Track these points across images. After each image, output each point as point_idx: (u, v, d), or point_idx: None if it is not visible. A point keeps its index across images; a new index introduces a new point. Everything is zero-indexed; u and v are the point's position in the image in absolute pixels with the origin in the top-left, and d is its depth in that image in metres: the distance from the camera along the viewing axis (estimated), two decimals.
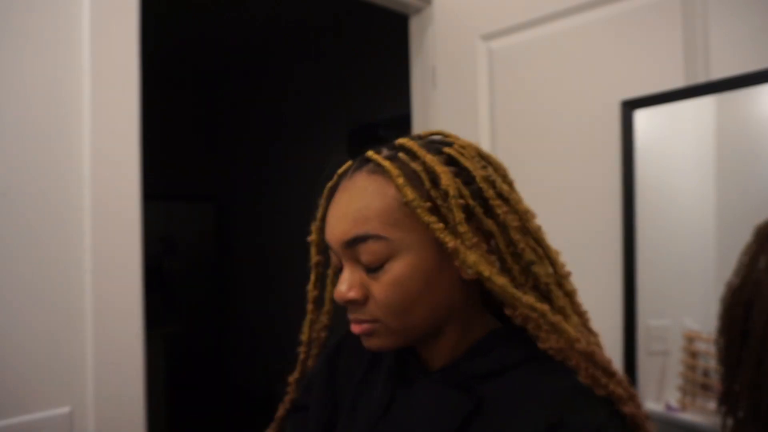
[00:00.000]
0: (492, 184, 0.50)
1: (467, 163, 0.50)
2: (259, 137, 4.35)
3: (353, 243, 0.49)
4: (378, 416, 0.53)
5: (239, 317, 4.71)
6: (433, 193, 0.48)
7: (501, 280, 0.47)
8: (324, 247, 0.59)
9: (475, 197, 0.49)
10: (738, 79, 0.95)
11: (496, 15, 1.36)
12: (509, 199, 0.50)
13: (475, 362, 0.51)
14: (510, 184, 0.54)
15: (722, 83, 0.98)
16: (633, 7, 1.13)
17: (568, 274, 0.53)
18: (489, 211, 0.49)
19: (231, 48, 3.93)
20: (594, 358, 0.46)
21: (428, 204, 0.47)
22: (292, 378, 0.67)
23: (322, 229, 0.57)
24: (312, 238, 0.60)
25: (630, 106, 1.10)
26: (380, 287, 0.48)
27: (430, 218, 0.47)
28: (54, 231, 0.88)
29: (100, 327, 0.91)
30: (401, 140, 0.53)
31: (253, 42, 3.82)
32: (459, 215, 0.47)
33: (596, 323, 1.24)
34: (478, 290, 0.54)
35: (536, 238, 0.51)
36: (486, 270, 0.46)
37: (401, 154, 0.51)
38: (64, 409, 0.87)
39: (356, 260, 0.50)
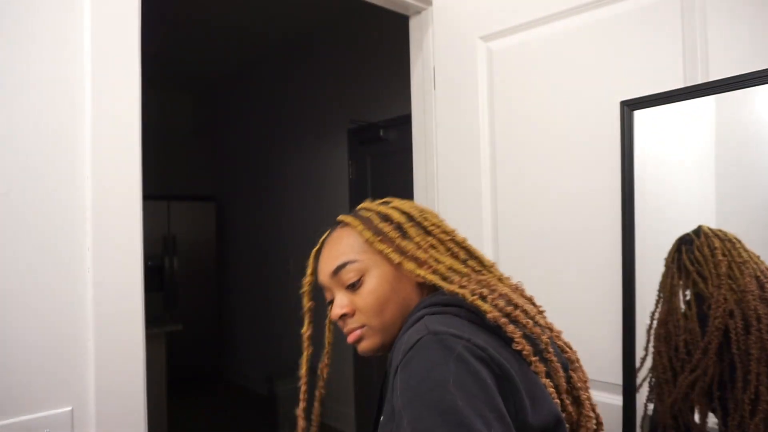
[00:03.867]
0: (425, 219, 0.75)
1: (405, 207, 0.76)
2: (260, 138, 4.35)
3: (338, 270, 0.71)
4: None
5: (239, 317, 4.71)
6: (381, 226, 0.72)
7: (431, 276, 0.69)
8: (314, 294, 0.79)
9: (417, 226, 0.74)
10: (737, 80, 0.95)
11: (496, 16, 1.37)
12: (440, 226, 0.75)
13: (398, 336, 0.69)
14: (439, 218, 0.77)
15: (721, 84, 0.98)
16: (633, 7, 1.13)
17: (492, 265, 0.75)
18: (429, 233, 0.73)
19: (232, 48, 3.94)
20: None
21: (379, 237, 0.71)
22: (299, 409, 0.79)
23: (313, 281, 0.78)
24: (304, 289, 0.79)
25: (630, 106, 1.11)
26: (361, 297, 0.71)
27: (382, 246, 0.71)
28: (55, 231, 0.88)
29: (101, 326, 0.91)
30: (361, 204, 0.80)
31: (254, 43, 3.83)
32: (412, 231, 0.72)
33: (595, 323, 1.25)
34: (430, 291, 0.74)
35: (462, 245, 0.74)
36: (421, 272, 0.69)
37: (360, 211, 0.77)
38: (66, 409, 0.88)
39: (341, 285, 0.72)
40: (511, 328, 0.61)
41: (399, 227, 0.72)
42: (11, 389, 0.83)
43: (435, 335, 0.57)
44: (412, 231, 0.72)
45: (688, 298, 1.04)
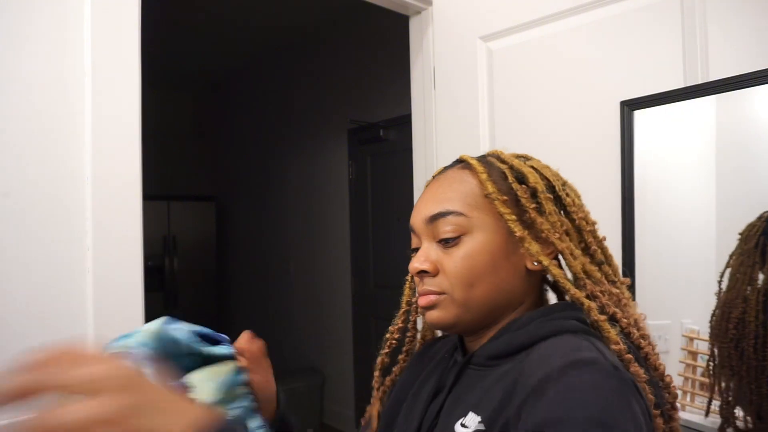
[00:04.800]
0: (567, 194, 0.59)
1: (548, 174, 0.60)
2: (260, 137, 4.35)
3: (435, 218, 0.56)
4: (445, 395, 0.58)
5: (239, 317, 4.71)
6: (515, 187, 0.56)
7: (557, 271, 0.54)
8: None
9: (556, 201, 0.58)
10: (737, 80, 0.95)
11: (496, 16, 1.37)
12: (583, 209, 0.61)
13: (494, 343, 0.57)
14: (581, 200, 0.63)
15: (721, 84, 0.98)
16: (633, 7, 1.13)
17: (625, 282, 0.61)
18: (567, 214, 0.59)
19: (231, 48, 3.94)
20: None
21: (505, 198, 0.56)
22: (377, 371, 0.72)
23: None
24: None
25: (630, 106, 1.11)
26: (453, 260, 0.55)
27: (505, 209, 0.55)
28: (55, 231, 0.88)
29: (101, 326, 0.91)
30: (492, 150, 0.64)
31: (254, 43, 3.83)
32: (549, 207, 0.56)
33: None
34: (538, 286, 0.61)
35: (601, 244, 0.60)
36: (545, 260, 0.54)
37: (490, 158, 0.61)
38: None
39: (434, 237, 0.57)
40: (635, 368, 0.49)
41: (534, 195, 0.57)
42: None
43: (615, 370, 0.45)
44: (549, 205, 0.56)
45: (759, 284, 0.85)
